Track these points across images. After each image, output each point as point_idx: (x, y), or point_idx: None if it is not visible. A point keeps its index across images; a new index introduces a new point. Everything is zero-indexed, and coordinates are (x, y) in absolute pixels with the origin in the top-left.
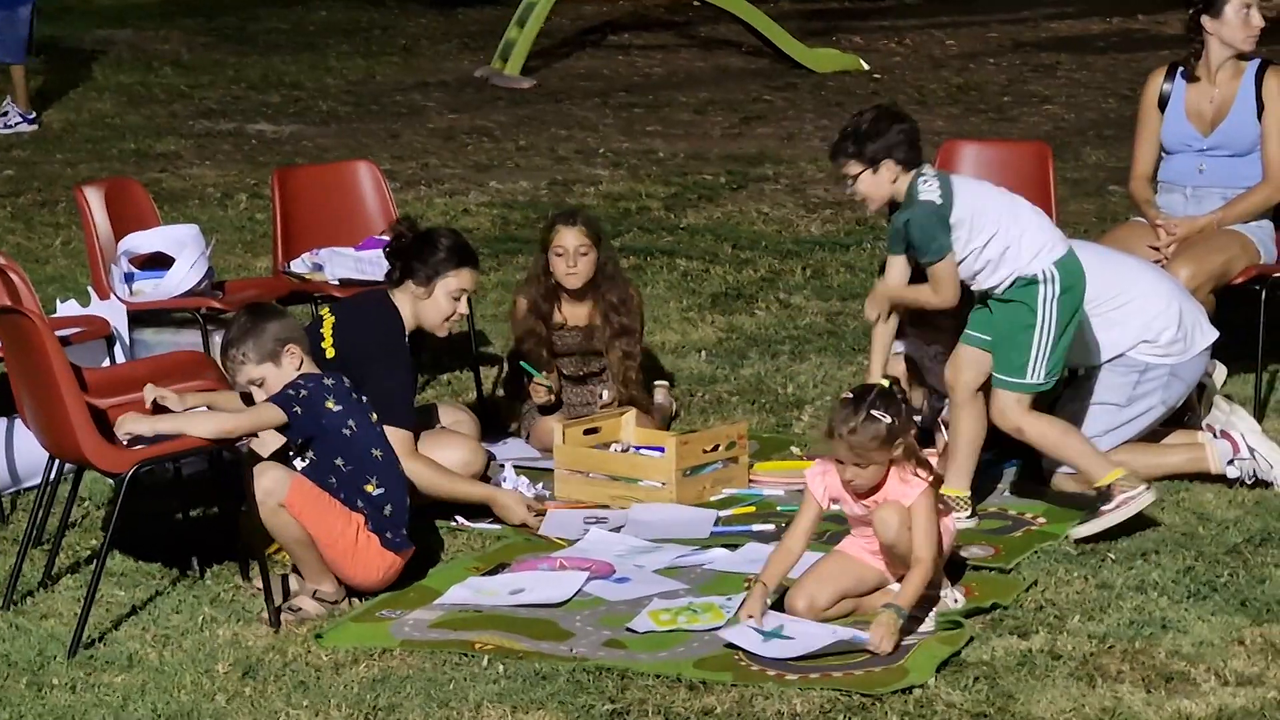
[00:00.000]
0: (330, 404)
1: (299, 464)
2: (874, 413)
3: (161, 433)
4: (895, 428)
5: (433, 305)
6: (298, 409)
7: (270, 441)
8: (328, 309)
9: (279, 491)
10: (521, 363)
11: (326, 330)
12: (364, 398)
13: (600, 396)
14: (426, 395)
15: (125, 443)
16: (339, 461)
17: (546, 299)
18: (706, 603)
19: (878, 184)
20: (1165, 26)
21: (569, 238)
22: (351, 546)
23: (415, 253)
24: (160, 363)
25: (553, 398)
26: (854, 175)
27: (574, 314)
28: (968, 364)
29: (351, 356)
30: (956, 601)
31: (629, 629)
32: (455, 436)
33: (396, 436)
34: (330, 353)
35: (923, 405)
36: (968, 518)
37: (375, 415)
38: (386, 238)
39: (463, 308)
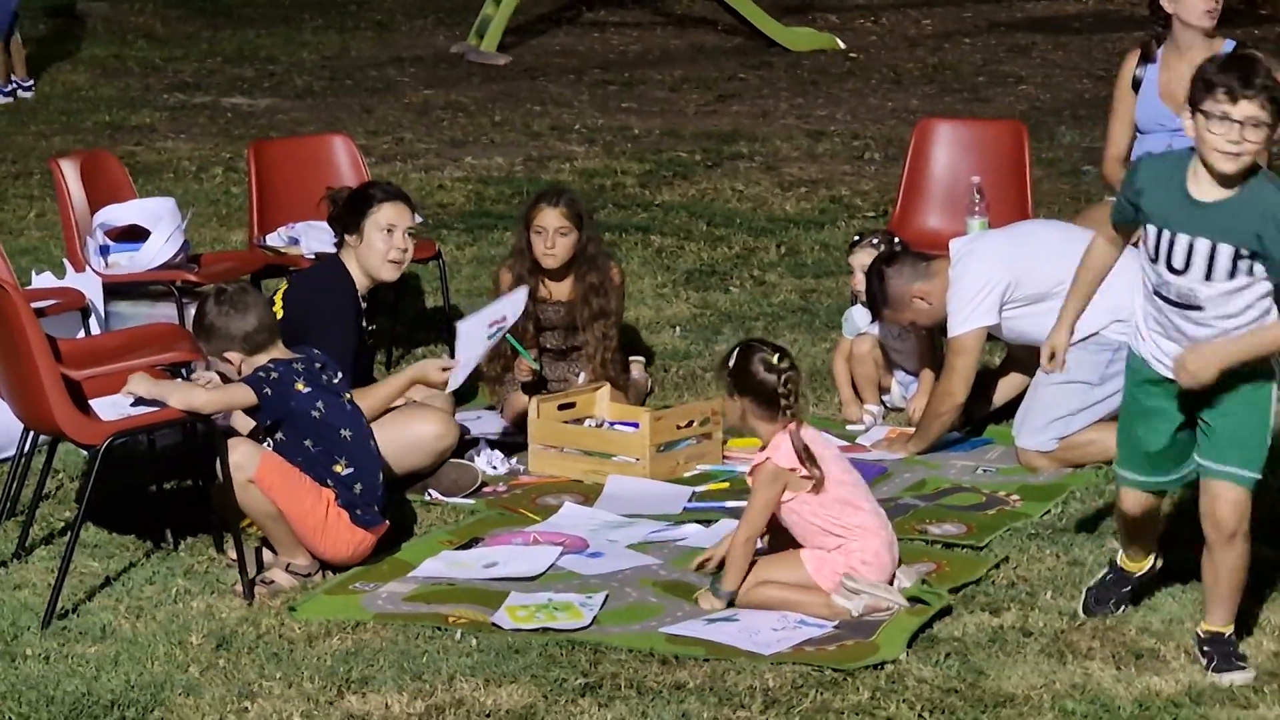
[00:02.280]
0: (300, 386)
1: (267, 445)
2: (747, 348)
3: (156, 397)
4: (734, 378)
5: (368, 248)
6: (268, 390)
7: (248, 421)
8: (288, 278)
9: (248, 467)
10: (509, 338)
11: (279, 296)
12: (335, 379)
13: (577, 377)
14: (401, 368)
15: (129, 401)
16: (307, 443)
17: (530, 275)
18: (565, 600)
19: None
20: (1140, 7)
21: (549, 218)
22: (321, 522)
23: (349, 208)
24: (135, 335)
25: (535, 376)
26: (1262, 123)
27: (557, 289)
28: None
29: (296, 316)
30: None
31: (493, 624)
32: (428, 410)
33: None
34: (279, 314)
35: (891, 386)
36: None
37: (349, 395)
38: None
39: (399, 241)
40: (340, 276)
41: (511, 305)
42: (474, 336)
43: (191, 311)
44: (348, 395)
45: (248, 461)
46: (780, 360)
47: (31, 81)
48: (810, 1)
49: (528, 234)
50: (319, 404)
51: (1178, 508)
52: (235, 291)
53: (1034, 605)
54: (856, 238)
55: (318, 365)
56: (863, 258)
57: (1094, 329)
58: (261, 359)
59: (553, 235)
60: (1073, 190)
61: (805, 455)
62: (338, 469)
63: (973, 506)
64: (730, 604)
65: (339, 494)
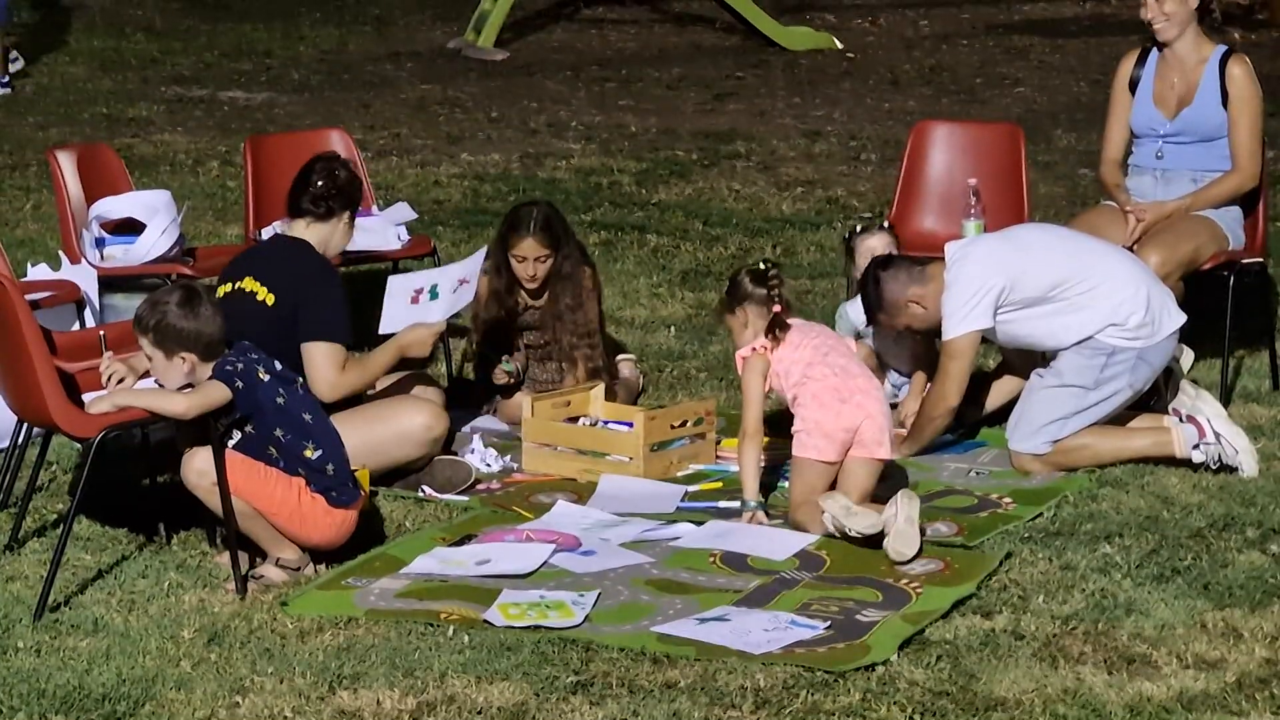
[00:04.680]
0: (262, 374)
1: (235, 438)
2: (735, 273)
3: (137, 406)
4: (729, 295)
5: (348, 233)
6: (239, 383)
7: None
8: (249, 278)
9: (210, 472)
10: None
11: (254, 287)
12: (279, 365)
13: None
14: (397, 369)
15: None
16: (278, 432)
17: (509, 291)
18: (557, 599)
19: None
20: (1136, 11)
21: (528, 247)
22: (297, 510)
23: (349, 191)
24: (129, 327)
25: (513, 380)
26: None
27: (534, 298)
28: None
29: (289, 291)
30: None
31: (485, 621)
32: (417, 401)
33: (331, 351)
34: (270, 300)
35: (884, 384)
36: None
37: (302, 380)
38: (322, 179)
39: None
40: (308, 246)
41: (466, 267)
42: (405, 292)
43: None
44: (300, 380)
45: (209, 466)
46: (763, 265)
47: (21, 63)
48: (808, 1)
49: (505, 254)
50: (280, 390)
51: (1169, 509)
52: (195, 294)
53: (1026, 609)
54: (858, 228)
55: (264, 354)
56: (873, 241)
57: (1089, 333)
58: (177, 369)
59: (533, 264)
60: (1069, 194)
61: (769, 328)
62: (308, 454)
63: (965, 509)
64: (764, 511)
65: (312, 480)
